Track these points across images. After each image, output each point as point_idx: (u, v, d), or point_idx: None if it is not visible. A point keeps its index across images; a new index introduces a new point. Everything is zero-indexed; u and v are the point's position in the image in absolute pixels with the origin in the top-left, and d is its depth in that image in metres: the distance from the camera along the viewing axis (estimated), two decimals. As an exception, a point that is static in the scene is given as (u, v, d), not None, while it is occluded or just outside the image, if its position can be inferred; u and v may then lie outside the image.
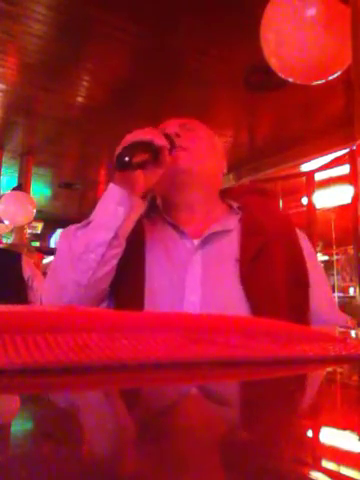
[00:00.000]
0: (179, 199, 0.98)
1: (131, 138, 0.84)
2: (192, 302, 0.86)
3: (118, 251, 0.85)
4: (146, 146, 0.84)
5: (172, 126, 0.99)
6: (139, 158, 0.82)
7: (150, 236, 0.96)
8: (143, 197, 0.90)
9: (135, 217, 0.87)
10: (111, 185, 0.87)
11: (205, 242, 0.94)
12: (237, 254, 0.91)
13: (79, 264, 0.83)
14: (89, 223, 0.87)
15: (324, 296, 0.98)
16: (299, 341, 0.46)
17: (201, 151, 0.98)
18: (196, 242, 0.94)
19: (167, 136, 0.90)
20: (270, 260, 0.91)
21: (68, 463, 0.18)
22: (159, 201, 1.02)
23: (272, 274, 0.90)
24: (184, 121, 1.02)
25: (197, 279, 0.88)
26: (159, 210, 1.00)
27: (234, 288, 0.87)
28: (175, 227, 0.97)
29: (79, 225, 0.89)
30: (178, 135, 0.95)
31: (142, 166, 0.84)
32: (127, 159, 0.80)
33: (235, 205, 1.02)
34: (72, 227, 0.91)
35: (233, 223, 0.98)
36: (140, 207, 0.89)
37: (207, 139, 1.03)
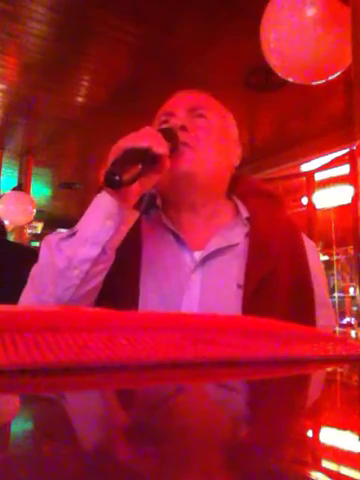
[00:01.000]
0: (180, 200, 0.89)
1: (125, 144, 0.73)
2: None
3: (105, 266, 0.77)
4: (142, 154, 0.72)
5: (179, 115, 0.88)
6: (131, 173, 0.70)
7: (147, 242, 0.87)
8: (136, 207, 0.80)
9: (126, 229, 0.78)
10: (101, 194, 0.77)
11: (207, 258, 0.84)
12: (240, 278, 0.82)
13: (61, 280, 0.74)
14: (74, 233, 0.77)
15: (323, 312, 0.90)
16: (299, 341, 0.46)
17: (208, 147, 0.87)
18: (197, 256, 0.85)
19: (170, 132, 0.80)
20: (275, 287, 0.84)
21: (67, 463, 0.18)
22: (159, 201, 0.92)
23: (276, 301, 0.82)
24: (195, 103, 0.90)
25: (194, 303, 0.81)
26: (158, 210, 0.91)
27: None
28: (175, 234, 0.88)
29: (63, 235, 0.80)
30: (185, 128, 0.84)
31: (135, 180, 0.73)
32: (117, 178, 0.68)
33: (244, 214, 0.91)
34: (55, 237, 0.81)
35: (239, 236, 0.88)
36: (132, 219, 0.79)
37: (218, 128, 0.90)
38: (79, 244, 0.75)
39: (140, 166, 0.72)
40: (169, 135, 0.79)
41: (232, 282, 0.83)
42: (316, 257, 0.97)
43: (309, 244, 0.94)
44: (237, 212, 0.93)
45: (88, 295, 0.77)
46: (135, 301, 0.81)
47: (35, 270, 0.82)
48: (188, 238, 0.87)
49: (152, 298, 0.82)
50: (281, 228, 0.92)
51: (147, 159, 0.73)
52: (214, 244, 0.86)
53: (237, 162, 0.95)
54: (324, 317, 0.90)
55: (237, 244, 0.87)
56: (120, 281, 0.81)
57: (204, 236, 0.87)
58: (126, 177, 0.69)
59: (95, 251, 0.74)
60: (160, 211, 0.91)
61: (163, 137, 0.76)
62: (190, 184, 0.85)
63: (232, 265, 0.85)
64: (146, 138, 0.74)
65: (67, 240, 0.78)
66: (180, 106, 0.90)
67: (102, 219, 0.75)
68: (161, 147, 0.74)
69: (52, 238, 0.81)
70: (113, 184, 0.69)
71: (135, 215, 0.80)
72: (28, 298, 0.80)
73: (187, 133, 0.85)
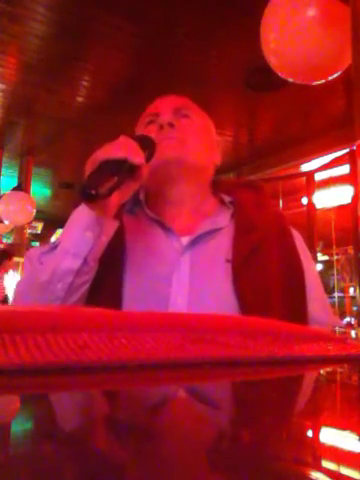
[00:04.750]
0: (167, 192, 0.90)
1: (101, 156, 0.72)
2: (178, 306, 0.79)
3: (89, 277, 0.77)
4: (118, 165, 0.71)
5: (166, 113, 0.91)
6: (107, 186, 0.69)
7: (131, 235, 0.87)
8: (116, 216, 0.80)
9: (106, 239, 0.78)
10: (80, 206, 0.77)
11: (194, 242, 0.86)
12: (228, 254, 0.84)
13: (45, 294, 0.74)
14: (55, 247, 0.78)
15: (318, 298, 0.92)
16: (299, 341, 0.46)
17: (193, 142, 0.90)
18: (184, 241, 0.86)
19: (146, 139, 0.80)
20: (264, 261, 0.85)
21: (67, 463, 0.18)
22: (142, 196, 0.93)
23: (265, 275, 0.84)
24: (179, 104, 0.94)
25: (184, 284, 0.81)
26: (142, 205, 0.92)
27: (224, 291, 0.81)
28: (160, 224, 0.88)
29: (45, 249, 0.81)
30: (172, 124, 0.88)
31: (112, 192, 0.71)
32: (93, 192, 0.67)
33: (227, 199, 0.95)
34: (36, 251, 0.82)
35: (225, 220, 0.91)
36: (112, 229, 0.79)
37: (202, 128, 0.95)
38: (61, 257, 0.75)
39: (116, 178, 0.71)
40: (145, 143, 0.78)
41: (221, 258, 0.84)
42: (302, 243, 0.97)
43: (294, 232, 0.95)
44: (222, 203, 0.96)
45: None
46: (118, 290, 0.81)
47: (19, 285, 0.83)
48: (174, 226, 0.88)
49: (140, 282, 0.82)
50: (265, 209, 0.95)
51: (124, 170, 0.72)
52: (202, 228, 0.87)
53: (218, 160, 0.98)
54: (314, 302, 0.89)
55: (223, 227, 0.89)
56: (102, 273, 0.80)
57: (191, 223, 0.89)
58: (101, 190, 0.68)
59: (77, 263, 0.74)
60: (143, 205, 0.92)
61: (139, 145, 0.76)
62: (176, 173, 0.87)
63: (219, 244, 0.87)
64: (122, 149, 0.73)
65: (49, 253, 0.79)
66: (166, 107, 0.94)
67: (81, 231, 0.75)
68: (137, 157, 0.73)
69: (34, 252, 0.83)
70: (89, 198, 0.69)
71: (115, 225, 0.80)
72: None
73: (174, 129, 0.89)
